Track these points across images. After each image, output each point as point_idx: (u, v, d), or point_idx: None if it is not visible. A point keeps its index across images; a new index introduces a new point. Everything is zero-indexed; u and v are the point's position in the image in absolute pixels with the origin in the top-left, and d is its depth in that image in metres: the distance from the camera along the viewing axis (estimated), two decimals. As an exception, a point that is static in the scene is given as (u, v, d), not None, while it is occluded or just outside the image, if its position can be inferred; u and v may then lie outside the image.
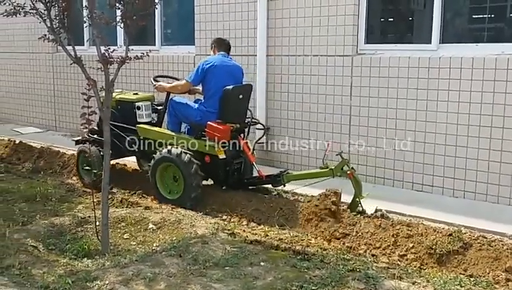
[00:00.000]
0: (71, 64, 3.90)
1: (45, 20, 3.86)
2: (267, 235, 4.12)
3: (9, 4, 3.88)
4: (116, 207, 4.92)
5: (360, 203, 4.57)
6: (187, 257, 3.60)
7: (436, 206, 4.80)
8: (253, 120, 5.40)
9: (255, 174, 5.22)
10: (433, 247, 3.78)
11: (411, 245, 3.88)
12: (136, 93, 5.84)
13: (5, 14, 3.87)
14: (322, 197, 4.49)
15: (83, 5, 3.83)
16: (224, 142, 4.93)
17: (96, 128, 5.58)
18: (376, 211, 4.65)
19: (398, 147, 5.51)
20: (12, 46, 9.78)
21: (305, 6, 6.02)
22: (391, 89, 5.48)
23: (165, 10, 7.73)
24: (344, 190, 4.61)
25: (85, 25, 8.12)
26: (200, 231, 4.11)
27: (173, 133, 5.24)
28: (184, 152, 4.86)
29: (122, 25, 3.87)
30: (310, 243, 4.02)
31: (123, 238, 4.15)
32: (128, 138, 5.43)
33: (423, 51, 5.35)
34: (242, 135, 5.24)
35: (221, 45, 5.41)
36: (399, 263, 3.73)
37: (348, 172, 4.53)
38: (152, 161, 5.09)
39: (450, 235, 3.90)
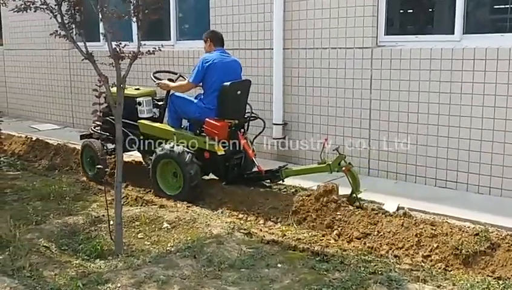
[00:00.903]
0: (82, 60, 3.82)
1: (56, 15, 3.78)
2: (285, 235, 3.99)
3: (20, 0, 3.80)
4: (130, 205, 4.84)
5: (357, 198, 4.50)
6: (201, 258, 3.49)
7: (461, 204, 4.60)
8: (252, 115, 5.35)
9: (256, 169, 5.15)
10: (459, 247, 3.61)
11: (435, 245, 3.71)
12: (138, 88, 5.82)
13: (15, 9, 3.80)
14: (325, 191, 4.37)
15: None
16: (224, 142, 4.94)
17: (100, 123, 5.49)
18: (398, 209, 4.49)
19: (420, 142, 5.31)
20: (30, 42, 9.80)
21: (322, -3, 5.85)
22: (412, 82, 5.29)
23: (180, 4, 7.61)
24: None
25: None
26: (215, 230, 4.00)
27: (173, 130, 5.22)
28: (182, 148, 4.87)
29: (134, 19, 3.78)
30: (329, 243, 3.88)
31: (137, 237, 4.06)
32: (128, 138, 5.38)
33: (446, 42, 5.14)
34: (242, 131, 5.20)
35: (217, 39, 5.36)
36: (422, 264, 3.56)
37: (343, 168, 4.51)
38: (152, 159, 5.10)
39: (476, 234, 3.71)
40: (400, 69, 5.35)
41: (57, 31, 3.86)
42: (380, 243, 3.86)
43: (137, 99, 5.53)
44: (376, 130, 5.62)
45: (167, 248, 3.77)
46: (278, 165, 5.14)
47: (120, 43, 3.66)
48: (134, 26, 7.75)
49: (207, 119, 4.95)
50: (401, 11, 5.93)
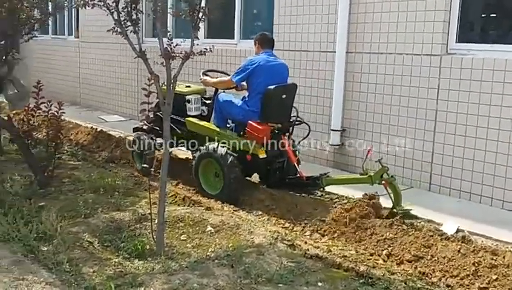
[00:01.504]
0: (134, 58, 3.81)
1: (112, 12, 3.79)
2: (330, 251, 3.78)
3: (80, -4, 3.86)
4: (178, 205, 4.81)
5: (398, 213, 4.32)
6: (239, 268, 3.37)
7: (530, 232, 4.19)
8: (298, 119, 5.24)
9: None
10: (522, 282, 3.26)
11: (494, 277, 3.36)
12: (188, 86, 5.86)
13: (74, 5, 3.85)
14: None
15: (149, -3, 3.71)
16: (263, 143, 4.87)
17: (152, 116, 5.62)
18: (458, 231, 4.16)
19: (489, 160, 4.90)
20: (103, 36, 10.12)
21: (390, 0, 5.54)
22: (483, 94, 4.88)
23: (245, 3, 7.53)
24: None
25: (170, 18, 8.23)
26: (258, 239, 3.87)
27: (217, 129, 5.25)
28: (224, 149, 4.89)
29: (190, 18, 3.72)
30: (377, 263, 3.62)
31: (179, 239, 4.02)
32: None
33: (525, 52, 4.70)
34: (286, 135, 5.13)
35: (265, 42, 5.29)
36: (478, 297, 3.25)
37: (383, 182, 4.40)
38: (196, 157, 5.15)
39: (545, 269, 3.34)
40: (470, 80, 4.96)
41: (114, 27, 3.88)
42: (433, 269, 3.55)
43: (186, 97, 5.59)
44: (441, 143, 5.25)
45: (207, 253, 3.69)
46: (319, 173, 5.00)
47: (172, 42, 3.60)
48: (201, 24, 7.92)
49: (249, 121, 4.92)
50: (476, 17, 5.50)
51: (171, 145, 5.62)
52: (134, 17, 3.79)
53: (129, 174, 5.83)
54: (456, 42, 5.16)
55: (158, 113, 5.43)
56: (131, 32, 3.83)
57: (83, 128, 8.20)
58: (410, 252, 3.73)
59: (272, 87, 4.88)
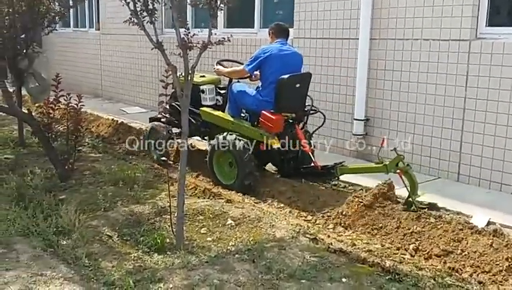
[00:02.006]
0: (152, 49, 3.72)
1: (128, 3, 3.70)
2: (354, 245, 3.65)
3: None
4: (198, 197, 4.74)
5: (414, 203, 4.16)
6: (260, 263, 3.27)
7: None
8: (312, 108, 5.15)
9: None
10: (559, 278, 3.08)
11: (529, 273, 3.20)
12: (203, 76, 5.82)
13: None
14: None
15: (165, -14, 3.60)
16: (276, 133, 4.81)
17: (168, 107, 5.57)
18: (489, 224, 3.98)
19: (521, 149, 4.69)
20: (123, 27, 10.05)
21: (416, -17, 5.32)
22: (516, 80, 4.66)
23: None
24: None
25: (189, 7, 8.14)
26: (279, 233, 3.76)
27: (231, 119, 5.21)
28: (238, 139, 4.87)
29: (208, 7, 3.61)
30: (404, 258, 3.48)
31: (199, 233, 3.94)
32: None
33: (561, 35, 4.46)
34: (300, 124, 5.08)
35: (279, 31, 5.22)
36: (512, 294, 3.08)
37: (398, 171, 4.30)
38: (211, 147, 5.15)
39: None
40: (502, 66, 4.73)
41: (131, 18, 3.80)
42: (463, 264, 3.39)
43: (201, 87, 5.57)
44: (470, 132, 5.05)
45: (228, 248, 3.60)
46: (334, 162, 4.92)
47: (189, 32, 3.50)
48: (220, 13, 7.79)
49: (263, 111, 4.85)
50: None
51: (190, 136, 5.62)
52: (151, 7, 3.69)
53: (149, 166, 5.78)
54: (485, 26, 4.93)
55: (173, 104, 5.33)
56: (147, 22, 3.74)
57: (104, 120, 8.21)
58: (438, 247, 3.58)
59: (285, 76, 4.79)
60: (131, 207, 4.31)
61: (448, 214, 4.20)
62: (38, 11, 6.05)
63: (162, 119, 5.65)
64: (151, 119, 6.22)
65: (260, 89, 5.11)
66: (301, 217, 4.29)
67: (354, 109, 5.98)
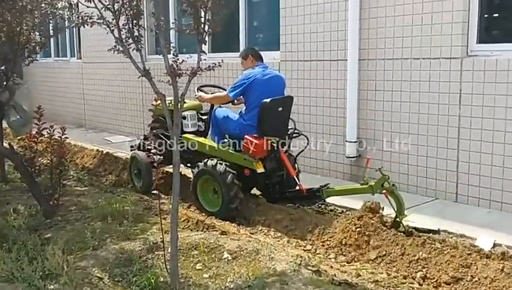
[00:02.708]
0: (138, 77, 3.56)
1: (113, 30, 3.55)
2: (359, 275, 3.48)
3: (77, 15, 3.63)
4: (191, 230, 4.53)
5: (401, 223, 4.17)
6: (262, 301, 3.08)
7: None
8: (295, 131, 5.13)
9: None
10: None
11: (545, 299, 3.06)
12: (184, 102, 5.61)
13: (73, 25, 3.62)
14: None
15: (151, 12, 3.47)
16: (260, 158, 4.77)
17: (150, 135, 5.79)
18: (494, 245, 3.85)
19: (519, 166, 4.60)
20: (105, 56, 9.93)
21: (404, 3, 5.28)
22: (511, 97, 4.59)
23: (250, 15, 7.30)
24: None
25: (172, 33, 8.03)
26: (280, 265, 3.57)
27: (214, 145, 5.17)
28: (219, 163, 4.84)
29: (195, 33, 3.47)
30: (412, 288, 3.32)
31: (195, 269, 3.72)
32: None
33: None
34: (283, 148, 4.97)
35: (258, 55, 5.28)
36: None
37: (383, 191, 4.27)
38: (194, 173, 5.09)
39: None
40: (495, 82, 4.68)
41: (115, 46, 3.64)
42: (474, 292, 3.25)
43: (182, 113, 5.43)
44: (466, 151, 4.96)
45: (226, 285, 3.39)
46: (319, 185, 4.82)
47: (178, 59, 3.35)
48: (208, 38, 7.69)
49: (246, 136, 4.80)
50: (497, 15, 5.21)
51: (168, 163, 5.52)
52: (136, 33, 3.55)
53: (138, 198, 5.56)
54: (476, 43, 4.89)
55: (154, 131, 5.63)
56: (133, 50, 3.59)
57: (89, 151, 7.98)
58: (447, 274, 3.43)
59: (267, 100, 4.73)
60: (121, 244, 4.08)
61: (452, 237, 4.08)
62: (18, 42, 5.87)
63: (141, 146, 5.92)
64: (132, 148, 6.17)
65: (243, 113, 5.08)
66: (300, 247, 4.12)
67: (346, 131, 5.87)
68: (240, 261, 3.76)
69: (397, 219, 4.18)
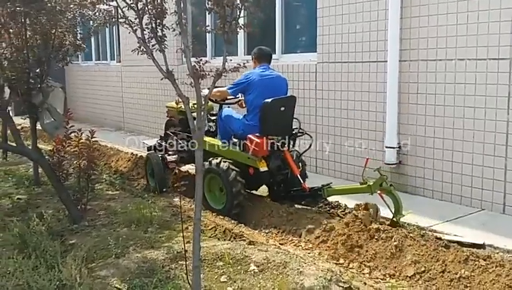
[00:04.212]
0: (161, 79, 3.42)
1: (136, 30, 3.42)
2: (395, 294, 3.20)
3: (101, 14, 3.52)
4: (218, 239, 4.35)
5: (399, 222, 4.28)
6: (287, 320, 2.85)
7: None
8: (300, 131, 5.18)
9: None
10: None
11: None
12: (195, 103, 5.77)
13: (96, 25, 3.52)
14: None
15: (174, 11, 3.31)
16: (263, 156, 4.88)
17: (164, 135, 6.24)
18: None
19: None
20: (143, 58, 9.94)
21: (448, 0, 4.94)
22: None
23: (286, 16, 7.08)
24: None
25: (207, 35, 7.93)
26: (308, 281, 3.33)
27: (219, 144, 5.29)
28: (223, 161, 4.96)
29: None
30: (454, 311, 3.01)
31: (219, 281, 3.53)
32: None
33: None
34: (287, 147, 5.06)
35: (261, 56, 5.29)
36: None
37: (378, 191, 4.39)
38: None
39: None
40: (549, 85, 4.28)
41: (140, 47, 3.51)
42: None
43: (192, 114, 5.51)
44: (516, 159, 4.57)
45: (251, 300, 3.19)
46: (321, 184, 4.89)
47: (201, 60, 3.18)
48: (240, 39, 7.53)
49: (249, 135, 4.94)
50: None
51: (183, 162, 5.98)
52: (160, 34, 3.40)
53: (167, 204, 5.43)
54: (528, 42, 4.50)
55: (168, 132, 6.10)
56: (156, 50, 3.45)
57: (124, 154, 7.96)
58: (491, 295, 3.10)
59: (268, 100, 4.84)
60: (144, 252, 3.94)
61: (498, 253, 3.73)
62: (52, 44, 5.87)
63: (158, 148, 6.22)
64: (149, 149, 6.40)
65: (246, 113, 5.23)
66: (332, 260, 3.86)
67: (385, 136, 5.56)
68: (267, 274, 3.54)
69: (395, 219, 4.28)
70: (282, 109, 5.00)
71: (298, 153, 5.24)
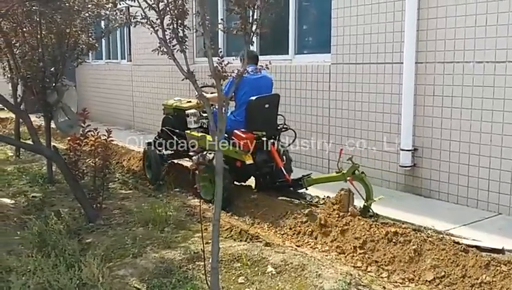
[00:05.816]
0: (182, 79, 3.41)
1: (157, 30, 3.41)
2: (416, 299, 3.18)
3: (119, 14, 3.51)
4: (234, 240, 4.34)
5: (370, 208, 4.61)
6: (308, 323, 2.83)
7: None
8: (284, 126, 5.54)
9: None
10: None
11: None
12: (189, 101, 6.41)
13: (117, 25, 3.51)
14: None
15: (196, 11, 3.30)
16: (248, 150, 5.17)
17: (160, 132, 6.56)
18: None
19: None
20: (154, 58, 9.93)
21: (466, 2, 4.90)
22: None
23: (300, 16, 7.06)
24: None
25: (220, 35, 7.91)
26: (328, 284, 3.31)
27: (209, 139, 5.37)
28: (210, 154, 5.09)
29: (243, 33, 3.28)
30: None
31: (237, 282, 3.53)
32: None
33: None
34: (273, 141, 5.37)
35: (249, 58, 5.30)
36: None
37: (348, 178, 4.72)
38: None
39: None
40: None
41: (160, 46, 3.51)
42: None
43: (186, 111, 6.03)
44: (535, 163, 4.53)
45: (269, 303, 3.17)
46: (301, 174, 5.28)
47: (223, 61, 3.17)
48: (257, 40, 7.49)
49: (235, 130, 5.22)
50: None
51: (177, 157, 6.50)
52: (181, 34, 3.40)
53: (181, 203, 5.44)
54: (549, 45, 4.46)
55: (164, 128, 6.45)
56: (177, 51, 3.44)
57: (135, 153, 7.96)
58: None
59: (253, 98, 5.21)
60: (161, 253, 3.95)
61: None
62: (67, 44, 5.88)
63: (156, 143, 6.51)
64: (148, 144, 6.68)
65: (233, 110, 5.47)
66: (350, 263, 3.83)
67: (401, 138, 5.53)
68: (285, 276, 3.53)
69: (365, 204, 4.58)
70: (267, 106, 5.36)
71: (286, 150, 5.57)
